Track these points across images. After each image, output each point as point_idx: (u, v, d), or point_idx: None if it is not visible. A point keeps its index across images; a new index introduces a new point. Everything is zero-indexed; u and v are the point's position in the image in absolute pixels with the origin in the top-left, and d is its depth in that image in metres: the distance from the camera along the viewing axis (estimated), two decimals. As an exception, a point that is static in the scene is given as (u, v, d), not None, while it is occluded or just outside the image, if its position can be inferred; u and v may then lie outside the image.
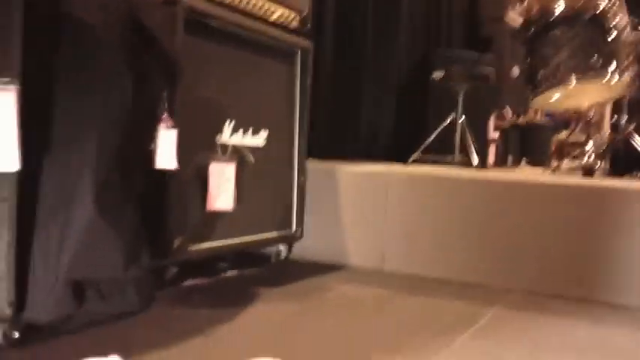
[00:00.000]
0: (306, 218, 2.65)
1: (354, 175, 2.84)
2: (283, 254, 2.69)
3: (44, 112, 1.63)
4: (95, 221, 1.65)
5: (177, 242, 2.02)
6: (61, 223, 1.62)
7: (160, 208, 1.98)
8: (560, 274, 2.39)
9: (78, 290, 1.67)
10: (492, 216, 2.53)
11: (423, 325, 1.94)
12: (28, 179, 1.54)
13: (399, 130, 3.93)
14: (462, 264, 2.55)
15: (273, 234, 2.52)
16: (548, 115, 4.52)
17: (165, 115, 1.91)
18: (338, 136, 3.60)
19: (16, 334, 1.54)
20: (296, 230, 2.62)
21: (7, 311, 1.51)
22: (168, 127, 1.90)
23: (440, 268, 2.58)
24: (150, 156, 1.87)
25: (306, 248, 2.73)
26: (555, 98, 3.19)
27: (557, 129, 4.32)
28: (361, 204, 2.79)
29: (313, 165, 2.76)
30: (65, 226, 1.62)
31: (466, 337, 1.81)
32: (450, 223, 2.59)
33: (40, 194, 1.61)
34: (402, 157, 3.47)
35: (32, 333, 1.60)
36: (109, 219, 1.68)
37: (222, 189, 2.19)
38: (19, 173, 1.50)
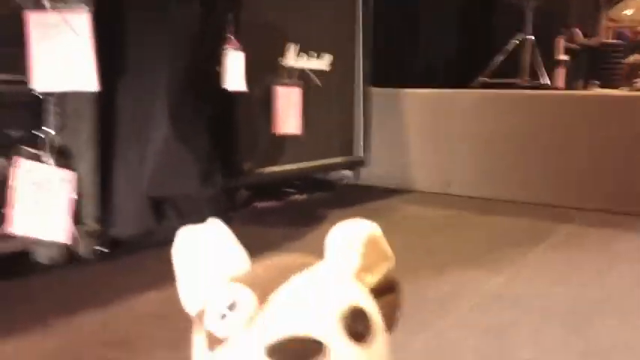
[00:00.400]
0: (372, 143, 2.64)
1: (420, 98, 2.79)
2: (349, 179, 2.70)
3: (117, 37, 1.66)
4: (171, 141, 1.69)
5: (246, 165, 2.06)
6: (140, 144, 1.67)
7: (229, 130, 2.02)
8: (635, 192, 2.32)
9: (157, 207, 1.74)
10: (564, 134, 2.45)
11: (495, 240, 1.93)
12: (106, 101, 1.59)
13: (465, 52, 3.79)
14: (533, 184, 2.50)
15: (339, 159, 2.53)
16: (620, 37, 4.30)
17: (231, 38, 1.92)
18: (401, 61, 3.51)
19: (104, 249, 1.62)
20: (361, 156, 2.62)
21: (95, 226, 1.59)
22: (235, 49, 1.90)
23: (509, 190, 2.54)
24: (219, 78, 1.89)
25: (372, 173, 2.74)
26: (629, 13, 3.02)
27: (628, 51, 4.11)
28: (427, 128, 2.75)
29: (377, 90, 2.73)
30: (144, 146, 1.67)
31: (541, 249, 1.80)
32: (518, 144, 2.53)
33: (119, 116, 1.66)
34: (467, 80, 3.37)
35: (118, 248, 1.68)
36: (184, 139, 1.72)
37: (288, 113, 2.20)
38: (98, 94, 1.54)
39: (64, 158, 1.53)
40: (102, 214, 1.61)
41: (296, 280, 0.42)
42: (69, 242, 1.51)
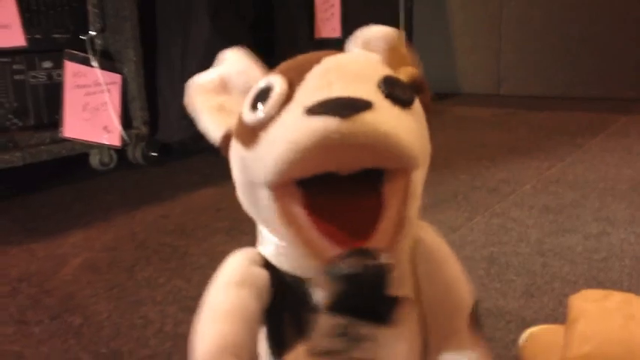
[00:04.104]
0: (415, 45, 2.56)
1: (464, -4, 2.67)
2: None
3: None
4: (213, 40, 1.65)
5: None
6: (181, 45, 1.64)
7: (270, 35, 1.97)
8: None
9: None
10: (617, 26, 2.32)
11: (550, 132, 1.87)
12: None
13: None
14: (585, 79, 2.40)
15: (382, 62, 2.46)
16: None
17: None
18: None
19: (154, 153, 1.63)
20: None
21: (144, 129, 1.59)
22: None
23: (561, 86, 2.45)
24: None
25: (417, 78, 2.66)
26: None
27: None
28: (473, 27, 2.64)
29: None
30: (185, 47, 1.64)
31: (600, 139, 1.73)
32: (570, 38, 2.42)
33: (159, 15, 1.62)
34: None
35: (167, 153, 1.68)
36: (226, 39, 1.68)
37: (328, 16, 2.13)
38: (137, -7, 1.51)
39: (108, 60, 1.51)
40: (150, 118, 1.61)
41: (328, 60, 0.39)
42: (119, 145, 1.52)
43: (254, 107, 0.39)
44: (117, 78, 1.51)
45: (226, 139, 0.43)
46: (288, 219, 0.38)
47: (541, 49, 2.49)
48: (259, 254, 0.43)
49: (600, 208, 1.16)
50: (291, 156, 0.35)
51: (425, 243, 0.44)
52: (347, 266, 0.36)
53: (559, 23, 2.44)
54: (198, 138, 1.60)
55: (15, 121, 1.39)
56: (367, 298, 0.37)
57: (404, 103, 0.38)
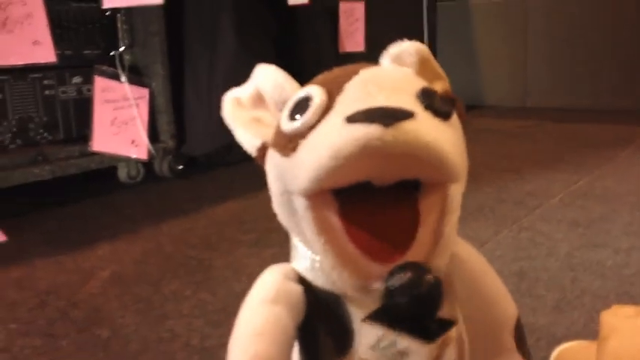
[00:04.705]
0: (438, 58, 2.55)
1: (489, 6, 2.66)
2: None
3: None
4: (239, 55, 1.67)
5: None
6: (208, 59, 1.66)
7: (293, 48, 1.98)
8: None
9: (230, 125, 1.74)
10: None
11: (577, 145, 1.85)
12: (173, 15, 1.58)
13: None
14: (612, 90, 2.37)
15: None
16: None
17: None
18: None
19: (180, 167, 1.64)
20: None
21: (170, 143, 1.61)
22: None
23: (588, 98, 2.42)
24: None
25: (441, 90, 2.65)
26: None
27: None
28: (498, 38, 2.63)
29: (443, 4, 2.61)
30: (211, 62, 1.66)
31: (628, 152, 1.71)
32: (596, 50, 2.39)
33: (186, 30, 1.65)
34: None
35: (193, 166, 1.70)
36: (251, 53, 1.70)
37: (352, 29, 2.13)
38: (165, 9, 1.53)
39: (136, 75, 1.54)
40: (177, 131, 1.63)
41: (366, 72, 0.39)
42: (146, 159, 1.54)
43: (292, 117, 0.39)
44: (145, 92, 1.53)
45: (262, 149, 0.43)
46: (323, 228, 0.38)
47: (568, 61, 2.47)
48: (293, 270, 0.43)
49: (631, 222, 1.14)
50: (331, 163, 0.35)
51: (461, 258, 0.43)
52: (407, 278, 0.36)
53: (585, 34, 2.41)
54: (223, 151, 1.62)
55: (45, 135, 1.42)
56: (422, 314, 0.36)
57: (443, 115, 0.38)
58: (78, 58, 1.47)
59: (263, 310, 0.41)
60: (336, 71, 0.41)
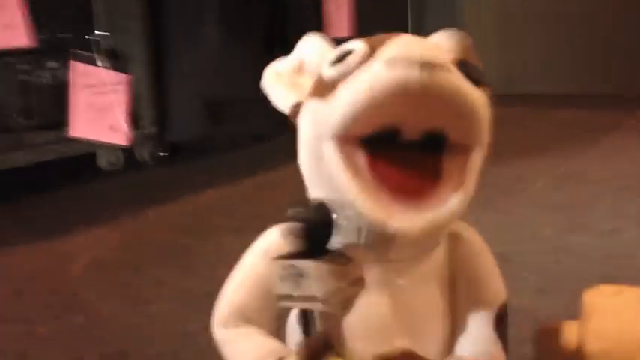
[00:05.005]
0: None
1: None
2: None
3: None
4: (223, 39, 1.65)
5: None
6: (191, 45, 1.63)
7: (282, 37, 1.96)
8: None
9: (214, 111, 1.72)
10: (632, 22, 2.29)
11: (564, 129, 1.85)
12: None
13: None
14: (599, 76, 2.37)
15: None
16: None
17: None
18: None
19: (162, 153, 1.62)
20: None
21: (152, 129, 1.58)
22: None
23: (574, 83, 2.42)
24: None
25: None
26: None
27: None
28: (485, 24, 2.61)
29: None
30: (195, 46, 1.63)
31: (613, 136, 1.71)
32: (582, 34, 2.39)
33: (168, 13, 1.62)
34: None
35: (175, 153, 1.68)
36: (237, 39, 1.68)
37: (338, 15, 2.11)
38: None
39: (116, 60, 1.51)
40: (158, 117, 1.60)
41: (407, 36, 0.41)
42: (127, 145, 1.51)
43: (334, 64, 0.40)
44: (125, 78, 1.51)
45: (297, 106, 0.44)
46: (350, 165, 0.39)
47: (552, 47, 2.47)
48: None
49: (614, 205, 1.14)
50: (368, 100, 0.37)
51: (462, 236, 0.46)
52: (305, 209, 0.39)
53: (570, 19, 2.41)
54: (208, 138, 1.60)
55: (20, 120, 1.39)
56: (316, 240, 0.39)
57: (476, 81, 0.40)
58: (54, 41, 1.44)
59: (253, 261, 0.46)
60: (379, 35, 0.42)
